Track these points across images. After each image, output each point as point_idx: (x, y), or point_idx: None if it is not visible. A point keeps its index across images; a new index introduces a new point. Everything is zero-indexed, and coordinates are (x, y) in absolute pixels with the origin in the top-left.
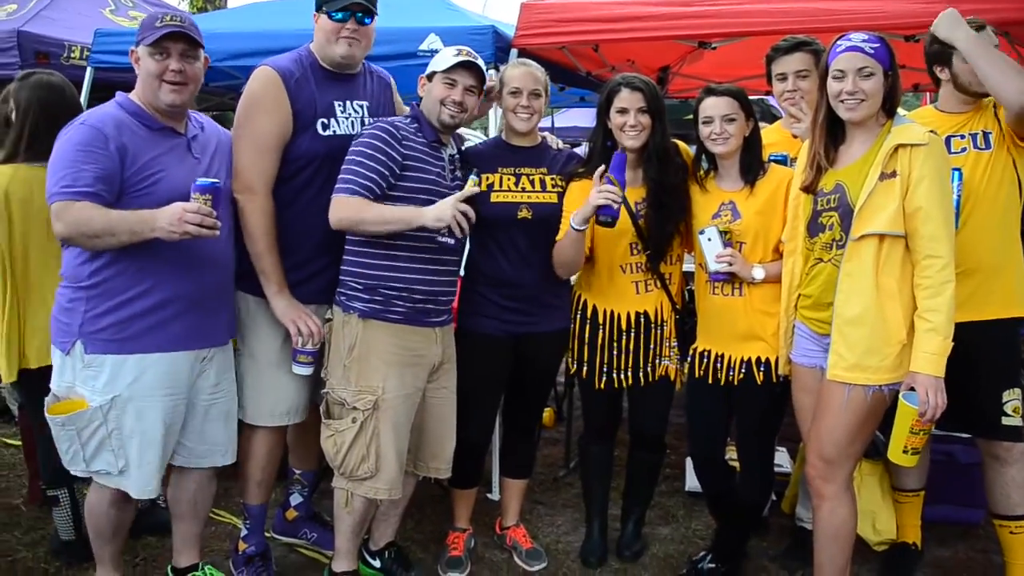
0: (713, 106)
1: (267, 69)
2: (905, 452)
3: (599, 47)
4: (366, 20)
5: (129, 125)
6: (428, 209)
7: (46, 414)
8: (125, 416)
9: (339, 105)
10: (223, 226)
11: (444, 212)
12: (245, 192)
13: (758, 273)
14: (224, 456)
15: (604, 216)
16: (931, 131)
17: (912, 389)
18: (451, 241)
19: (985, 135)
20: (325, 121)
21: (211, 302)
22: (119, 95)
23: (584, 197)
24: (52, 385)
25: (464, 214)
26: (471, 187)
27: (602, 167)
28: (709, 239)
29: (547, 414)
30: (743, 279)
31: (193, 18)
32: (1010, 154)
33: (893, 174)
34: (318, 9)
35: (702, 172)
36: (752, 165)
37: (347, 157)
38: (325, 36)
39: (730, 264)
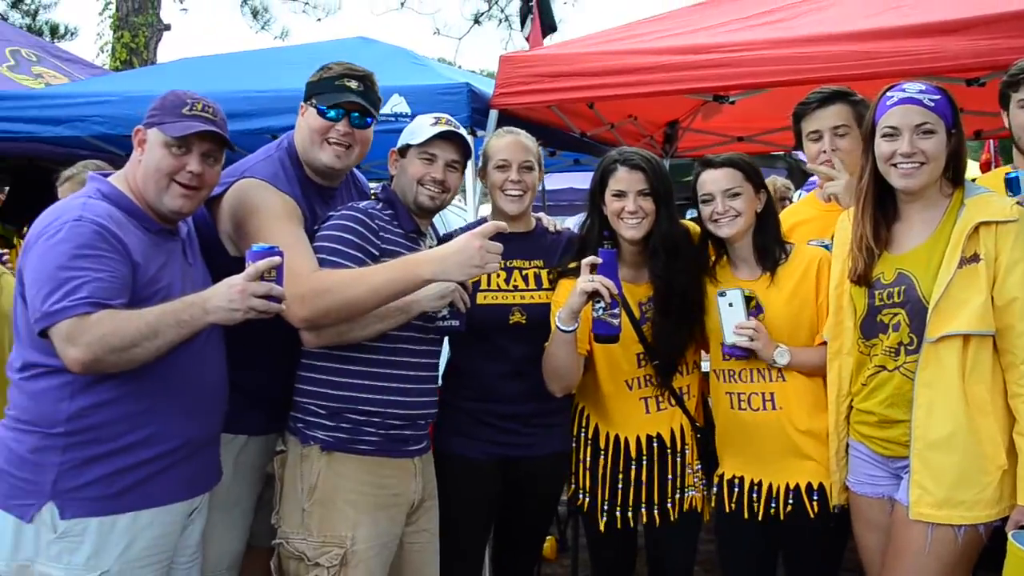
0: (712, 181)
1: (276, 190)
2: None
3: (594, 104)
4: (367, 120)
5: (127, 225)
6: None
7: None
8: None
9: None
10: (217, 355)
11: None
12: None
13: (782, 357)
14: None
15: (602, 332)
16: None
17: (1023, 527)
18: (457, 323)
19: None
20: None
21: (212, 443)
22: (98, 181)
23: None
24: None
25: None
26: None
27: (591, 258)
28: (731, 304)
29: (548, 544)
30: (764, 360)
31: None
32: None
33: (975, 258)
34: (306, 99)
35: (712, 260)
36: (769, 247)
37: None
38: (310, 135)
39: (751, 340)
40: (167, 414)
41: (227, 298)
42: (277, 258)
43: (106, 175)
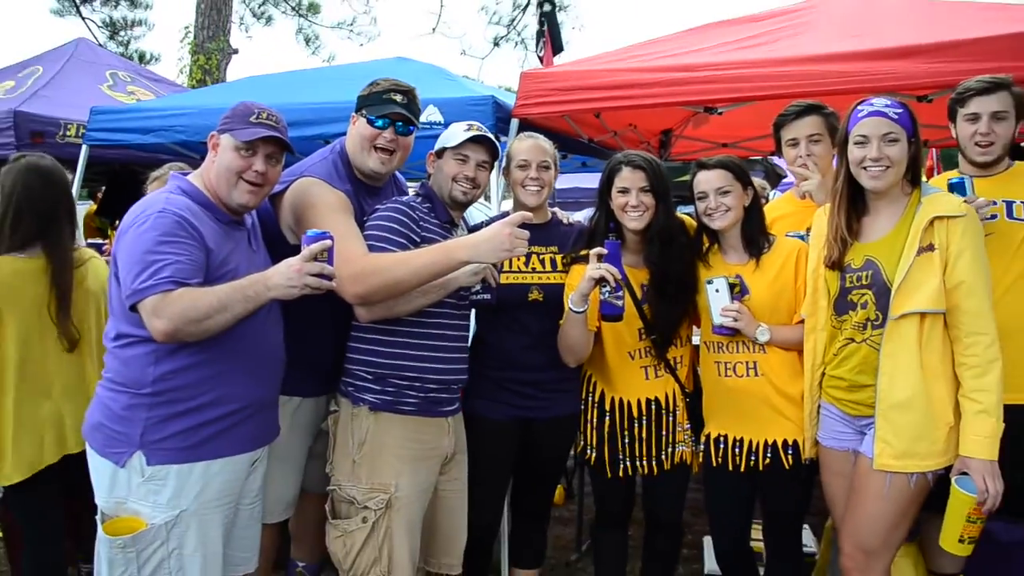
0: (706, 181)
1: (330, 187)
2: (961, 542)
3: (600, 114)
4: (410, 129)
5: (202, 216)
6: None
7: (104, 535)
8: (189, 533)
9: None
10: (277, 328)
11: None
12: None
13: (763, 335)
14: (254, 563)
15: (608, 312)
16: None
17: (964, 474)
18: (488, 296)
19: None
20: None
21: (271, 403)
22: (178, 179)
23: None
24: (99, 501)
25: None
26: None
27: (598, 249)
28: (717, 290)
29: (557, 492)
30: (747, 337)
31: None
32: None
33: (931, 247)
34: (357, 110)
35: (704, 247)
36: (755, 237)
37: (365, 233)
38: (360, 142)
39: (735, 320)
40: (234, 379)
41: (286, 276)
42: (328, 241)
43: (185, 174)
